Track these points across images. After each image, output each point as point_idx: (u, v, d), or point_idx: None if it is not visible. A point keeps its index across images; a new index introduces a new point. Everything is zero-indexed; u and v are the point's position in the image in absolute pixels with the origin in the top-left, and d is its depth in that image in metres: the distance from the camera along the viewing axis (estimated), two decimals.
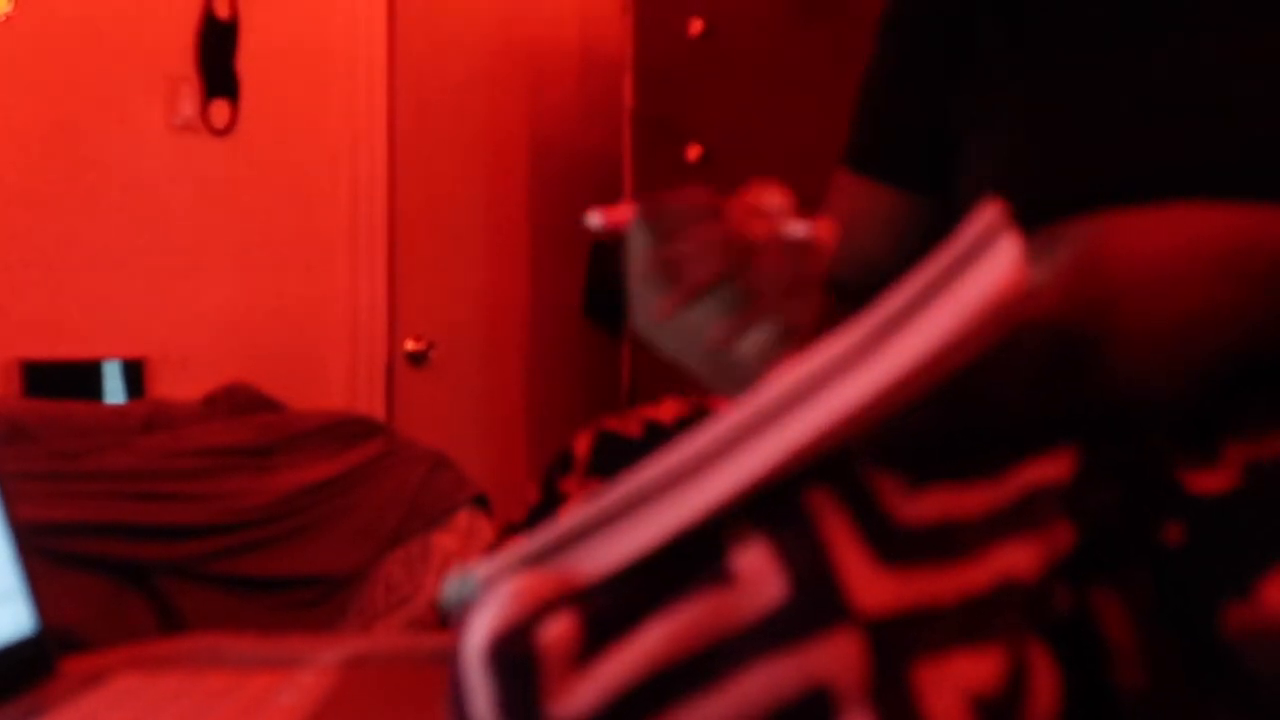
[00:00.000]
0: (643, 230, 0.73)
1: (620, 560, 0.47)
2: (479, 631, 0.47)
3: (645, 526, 0.47)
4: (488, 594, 0.48)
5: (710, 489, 0.47)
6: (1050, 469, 0.54)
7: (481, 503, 2.68)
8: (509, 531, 1.02)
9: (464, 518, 2.60)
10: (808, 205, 1.14)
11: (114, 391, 3.12)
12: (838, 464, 0.49)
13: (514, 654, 0.46)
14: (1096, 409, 0.59)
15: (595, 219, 0.73)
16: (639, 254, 0.73)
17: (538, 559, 0.49)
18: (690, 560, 0.47)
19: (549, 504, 0.99)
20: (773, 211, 0.71)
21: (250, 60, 3.38)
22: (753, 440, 0.47)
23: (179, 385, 3.07)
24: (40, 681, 0.80)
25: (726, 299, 0.70)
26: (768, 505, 0.47)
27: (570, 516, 0.49)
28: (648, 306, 0.72)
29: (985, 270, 0.47)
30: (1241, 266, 0.64)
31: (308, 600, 2.31)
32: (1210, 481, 0.56)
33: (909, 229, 1.06)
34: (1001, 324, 0.48)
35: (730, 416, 0.48)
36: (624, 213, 0.75)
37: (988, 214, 0.48)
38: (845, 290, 1.07)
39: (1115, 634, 0.51)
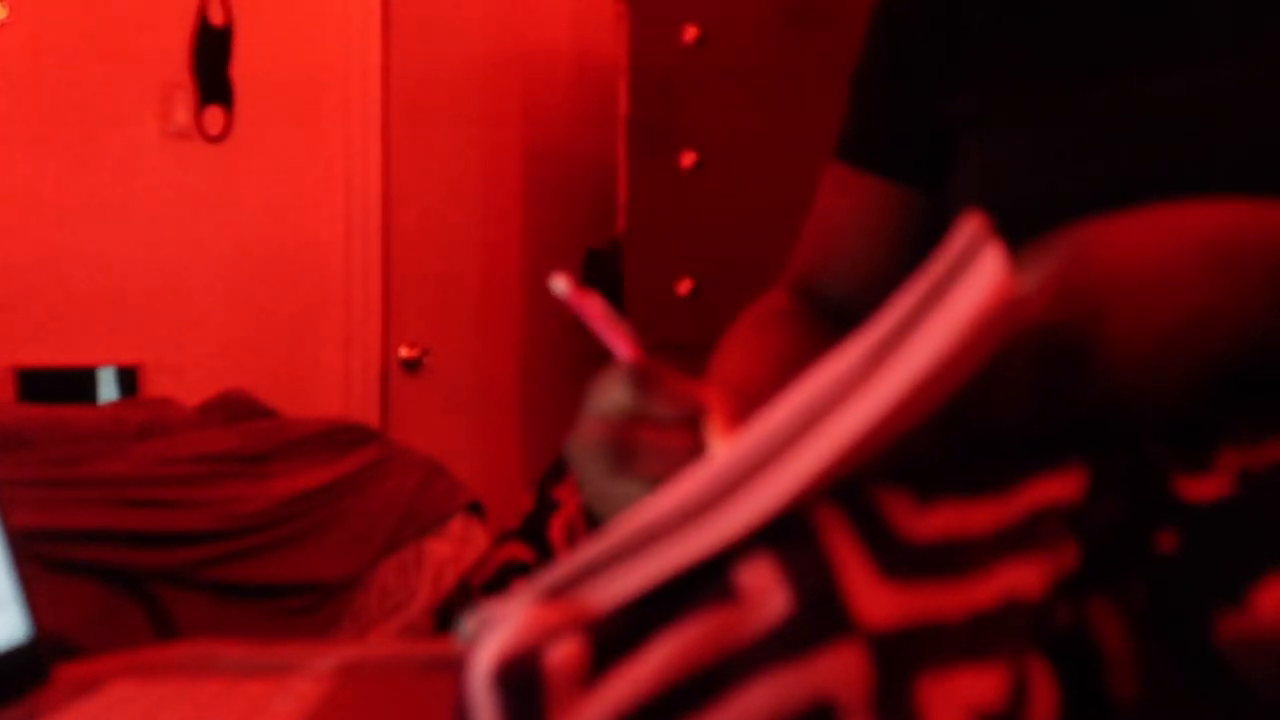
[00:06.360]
0: (622, 387, 0.73)
1: (629, 593, 0.48)
2: (486, 655, 0.47)
3: (655, 563, 0.48)
4: (497, 623, 0.48)
5: (720, 526, 0.47)
6: (1059, 488, 0.54)
7: (475, 510, 2.68)
8: (503, 538, 1.02)
9: (458, 525, 2.61)
10: (804, 210, 1.14)
11: (108, 399, 3.12)
12: (844, 480, 0.49)
13: (520, 676, 0.46)
14: (1091, 417, 0.59)
15: (561, 286, 0.71)
16: (610, 407, 0.73)
17: (549, 593, 0.49)
18: (695, 578, 0.47)
19: (542, 511, 0.99)
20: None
21: (245, 67, 3.38)
22: (760, 475, 0.48)
23: (173, 392, 3.07)
24: (34, 688, 0.80)
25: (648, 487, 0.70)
26: (773, 521, 0.47)
27: (581, 553, 0.49)
28: (594, 461, 0.72)
29: (971, 284, 0.47)
30: (1233, 268, 0.64)
31: (302, 607, 2.31)
32: (1204, 489, 0.56)
33: (900, 224, 1.06)
34: (992, 337, 0.48)
35: (736, 449, 0.48)
36: (613, 334, 0.73)
37: (970, 227, 0.48)
38: (838, 302, 1.07)
39: (1111, 643, 0.51)
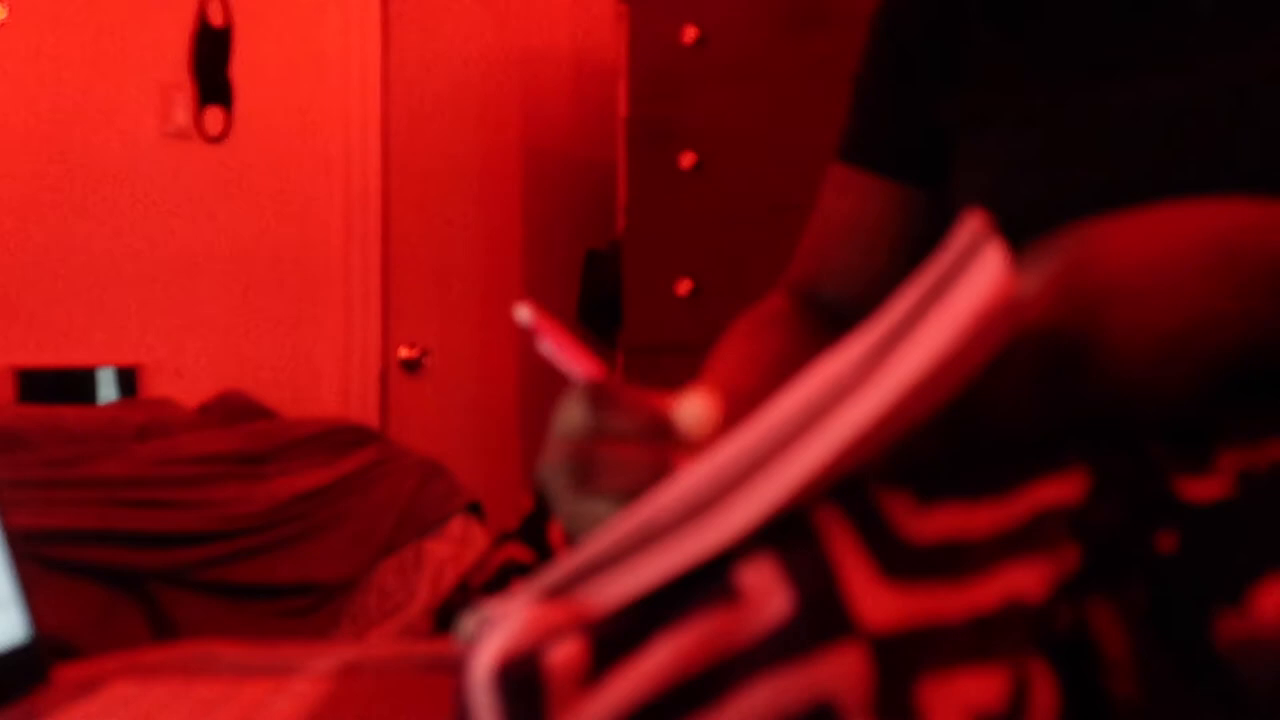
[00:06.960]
0: (579, 406, 0.73)
1: (631, 592, 0.48)
2: (486, 655, 0.47)
3: (657, 561, 0.48)
4: (497, 623, 0.48)
5: (722, 525, 0.47)
6: (1060, 490, 0.54)
7: (475, 510, 2.68)
8: (503, 539, 1.02)
9: (457, 525, 2.60)
10: (803, 211, 1.14)
11: (107, 399, 3.12)
12: (845, 481, 0.49)
13: (521, 676, 0.46)
14: (1091, 417, 0.59)
15: (525, 314, 0.72)
16: (571, 427, 0.74)
17: (550, 593, 0.49)
18: (697, 579, 0.47)
19: (542, 511, 0.99)
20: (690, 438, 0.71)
21: (244, 68, 3.38)
22: (760, 474, 0.47)
23: (173, 393, 3.07)
24: (33, 689, 0.80)
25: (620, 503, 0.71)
26: (775, 522, 0.47)
27: (581, 553, 0.49)
28: (559, 482, 0.73)
29: (972, 283, 0.47)
30: (1235, 269, 0.64)
31: (301, 608, 2.31)
32: (1203, 489, 0.56)
33: (901, 224, 1.06)
34: (993, 337, 0.48)
35: (736, 445, 0.48)
36: (569, 355, 0.74)
37: (971, 225, 0.48)
38: (838, 304, 1.07)
39: (1111, 644, 0.51)
